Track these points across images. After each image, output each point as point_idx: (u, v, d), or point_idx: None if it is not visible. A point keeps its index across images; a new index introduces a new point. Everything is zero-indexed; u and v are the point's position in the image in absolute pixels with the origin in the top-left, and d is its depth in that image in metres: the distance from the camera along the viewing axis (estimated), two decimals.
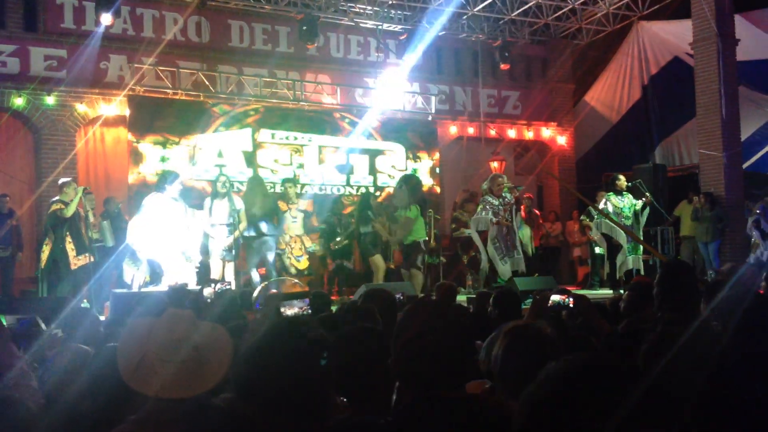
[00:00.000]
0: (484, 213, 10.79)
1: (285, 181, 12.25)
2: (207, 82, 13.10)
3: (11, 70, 12.14)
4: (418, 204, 10.90)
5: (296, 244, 11.16)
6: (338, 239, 11.56)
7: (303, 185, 13.48)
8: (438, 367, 2.00)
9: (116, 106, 12.63)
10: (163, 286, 9.12)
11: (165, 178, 10.09)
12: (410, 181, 11.28)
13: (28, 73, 12.20)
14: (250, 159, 13.30)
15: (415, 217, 10.74)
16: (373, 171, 14.41)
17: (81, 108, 12.46)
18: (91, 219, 10.28)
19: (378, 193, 14.21)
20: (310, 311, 4.39)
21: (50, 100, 12.19)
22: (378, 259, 11.02)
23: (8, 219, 10.55)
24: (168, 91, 12.80)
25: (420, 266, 10.58)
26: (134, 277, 9.79)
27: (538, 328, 2.49)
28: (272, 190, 12.56)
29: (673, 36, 15.70)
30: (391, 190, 14.44)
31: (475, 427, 1.95)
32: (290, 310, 4.23)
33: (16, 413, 2.51)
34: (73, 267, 9.71)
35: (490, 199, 10.83)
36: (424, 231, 10.82)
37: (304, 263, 11.29)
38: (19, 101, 12.01)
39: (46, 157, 12.25)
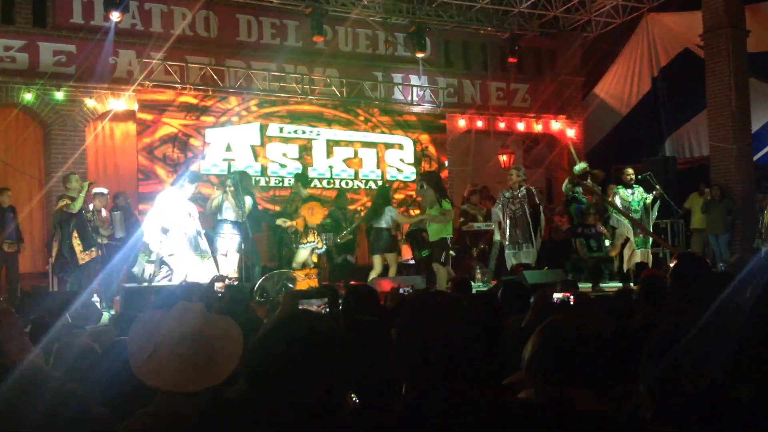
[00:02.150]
0: (496, 206, 10.88)
1: (297, 177, 12.06)
2: (215, 77, 13.10)
3: (20, 65, 12.17)
4: (447, 198, 10.65)
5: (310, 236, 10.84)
6: (343, 234, 11.52)
7: (311, 179, 13.54)
8: (442, 360, 1.98)
9: (125, 101, 12.65)
10: (174, 282, 9.13)
11: (186, 175, 10.02)
12: (429, 177, 11.13)
13: (37, 69, 12.21)
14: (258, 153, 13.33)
15: (450, 209, 10.53)
16: (381, 165, 14.39)
17: (90, 103, 12.48)
18: (104, 213, 10.32)
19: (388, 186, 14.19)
20: (328, 310, 4.39)
21: (59, 95, 12.22)
22: (392, 257, 10.93)
23: (11, 213, 10.56)
24: (176, 85, 12.81)
25: (444, 262, 10.48)
26: (153, 272, 9.73)
27: (577, 324, 2.46)
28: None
29: (683, 27, 15.61)
30: (397, 183, 14.45)
31: (482, 421, 1.95)
32: (307, 308, 4.23)
33: (36, 402, 2.52)
34: (81, 262, 9.75)
35: (503, 191, 10.88)
36: (451, 227, 10.71)
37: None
38: (28, 96, 12.03)
39: (55, 152, 12.28)
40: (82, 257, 9.76)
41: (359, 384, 2.39)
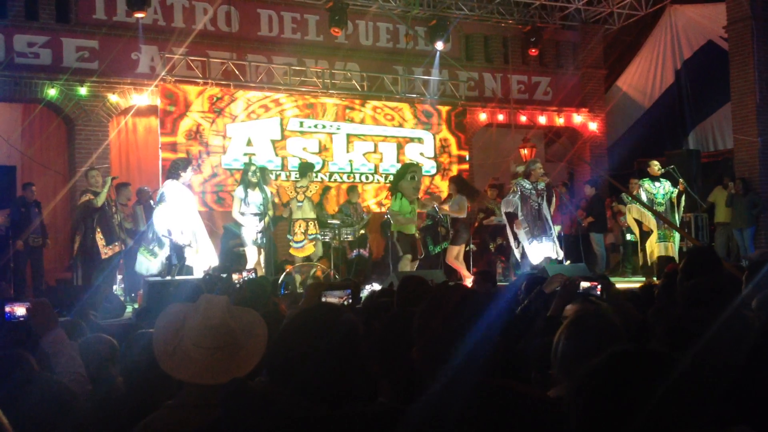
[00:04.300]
0: (512, 195, 10.82)
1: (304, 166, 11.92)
2: (237, 72, 13.15)
3: (44, 61, 12.27)
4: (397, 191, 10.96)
5: (299, 229, 10.59)
6: (355, 228, 11.54)
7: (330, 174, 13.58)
8: (468, 353, 1.97)
9: (148, 96, 12.74)
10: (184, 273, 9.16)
11: (178, 164, 9.90)
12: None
13: (61, 64, 12.31)
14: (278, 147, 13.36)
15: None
16: (401, 159, 14.36)
17: (113, 98, 12.57)
18: (129, 207, 10.41)
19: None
20: (351, 301, 4.41)
21: (83, 90, 12.31)
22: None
23: (35, 208, 10.66)
24: (198, 80, 12.87)
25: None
26: (149, 267, 9.55)
27: (604, 315, 2.45)
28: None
29: (706, 19, 15.45)
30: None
31: (505, 415, 1.94)
32: (330, 299, 4.25)
33: (62, 399, 2.55)
34: (104, 257, 9.82)
35: (522, 182, 10.81)
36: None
37: (308, 250, 10.63)
38: (52, 92, 12.13)
39: (79, 147, 12.39)
40: (105, 251, 9.84)
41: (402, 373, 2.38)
